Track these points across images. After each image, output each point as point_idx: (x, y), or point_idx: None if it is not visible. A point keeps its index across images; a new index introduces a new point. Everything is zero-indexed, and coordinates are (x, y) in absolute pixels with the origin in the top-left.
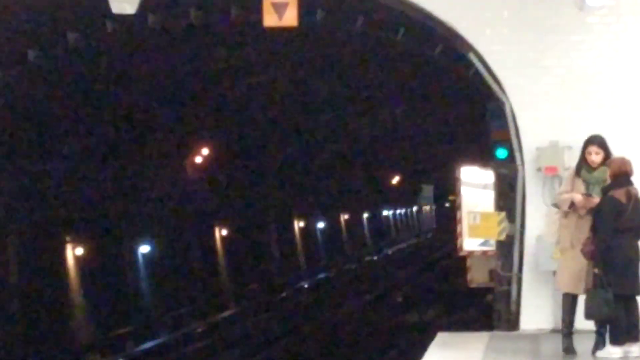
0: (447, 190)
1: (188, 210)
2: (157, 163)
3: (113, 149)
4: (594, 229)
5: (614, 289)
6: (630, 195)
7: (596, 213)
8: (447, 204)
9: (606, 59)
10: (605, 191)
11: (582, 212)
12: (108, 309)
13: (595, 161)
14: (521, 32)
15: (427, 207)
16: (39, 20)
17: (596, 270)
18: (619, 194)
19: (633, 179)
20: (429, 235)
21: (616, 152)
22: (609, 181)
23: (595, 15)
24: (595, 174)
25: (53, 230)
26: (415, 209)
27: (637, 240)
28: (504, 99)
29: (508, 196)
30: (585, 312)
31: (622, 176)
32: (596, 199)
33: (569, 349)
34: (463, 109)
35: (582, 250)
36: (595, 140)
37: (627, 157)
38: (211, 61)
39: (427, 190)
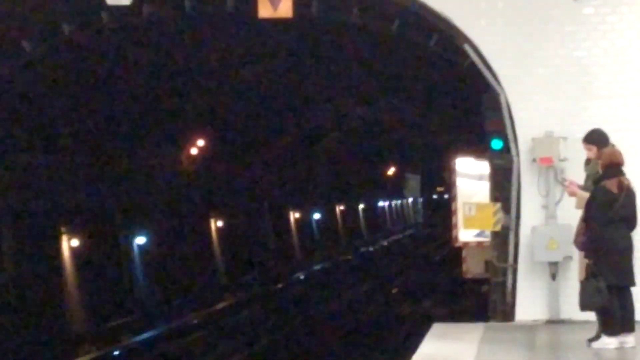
0: (435, 181)
1: (184, 201)
2: (153, 154)
3: (109, 141)
4: (585, 219)
5: (606, 280)
6: (622, 186)
7: (587, 204)
8: (434, 196)
9: (601, 49)
10: (596, 182)
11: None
12: (103, 300)
13: (589, 156)
14: (516, 23)
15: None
16: (35, 11)
17: (588, 261)
18: (610, 184)
19: (631, 168)
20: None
21: (611, 142)
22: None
23: (590, 6)
24: (588, 167)
25: (49, 221)
26: (410, 199)
27: (631, 230)
28: (499, 90)
29: (503, 187)
30: (579, 302)
31: (612, 167)
32: (573, 187)
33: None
34: (458, 100)
35: (574, 242)
36: (584, 138)
37: (620, 147)
38: (207, 52)
39: (413, 180)
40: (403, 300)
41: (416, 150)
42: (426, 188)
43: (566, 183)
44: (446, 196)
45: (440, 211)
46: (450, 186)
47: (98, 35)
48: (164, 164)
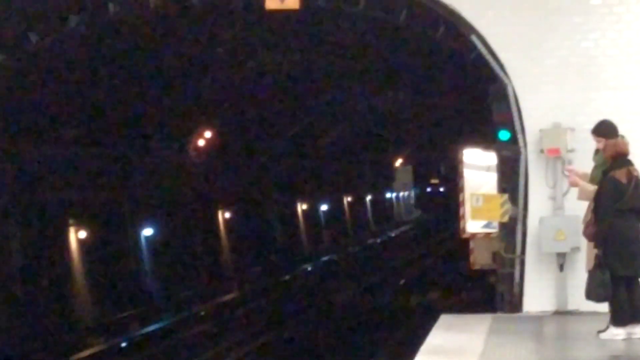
0: (429, 172)
1: (191, 193)
2: (160, 146)
3: (116, 132)
4: (595, 210)
5: (615, 271)
6: (631, 176)
7: (597, 194)
8: (428, 189)
9: (609, 40)
10: (605, 173)
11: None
12: (111, 292)
13: (599, 147)
14: (523, 13)
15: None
16: (41, 2)
17: (597, 251)
18: (620, 174)
19: (637, 159)
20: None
21: (621, 133)
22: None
23: None
24: (597, 156)
25: (56, 214)
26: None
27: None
28: (506, 81)
29: (511, 178)
30: (585, 292)
31: (619, 157)
32: (574, 178)
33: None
34: (466, 91)
35: (583, 233)
36: (593, 129)
37: (628, 138)
38: (214, 43)
39: (405, 172)
40: (411, 291)
41: (408, 140)
42: (419, 180)
43: (567, 173)
44: (442, 189)
45: (435, 205)
46: (457, 177)
47: (104, 27)
48: (171, 156)
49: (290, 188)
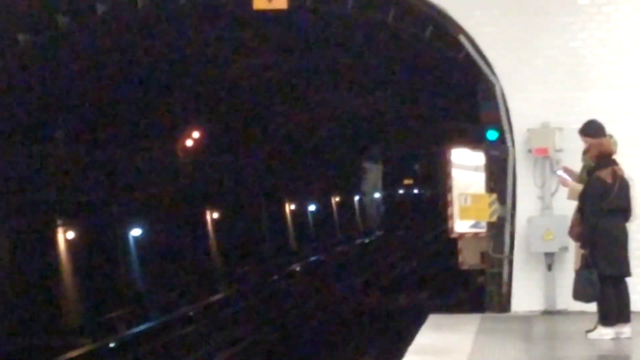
0: (401, 172)
1: (179, 193)
2: (148, 146)
3: (104, 132)
4: (580, 210)
5: (602, 270)
6: (616, 176)
7: (582, 194)
8: (401, 190)
9: (597, 40)
10: (590, 173)
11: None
12: (99, 293)
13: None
14: (512, 13)
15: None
16: (30, 3)
17: (583, 252)
18: (605, 174)
19: (628, 159)
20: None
21: (609, 132)
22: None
23: None
24: (585, 156)
25: (45, 213)
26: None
27: (626, 220)
28: (494, 81)
29: (499, 178)
30: (572, 292)
31: (604, 157)
32: (563, 178)
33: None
34: (454, 91)
35: (569, 232)
36: (580, 130)
37: (617, 138)
38: (202, 43)
39: (374, 172)
40: (398, 291)
41: (377, 137)
42: (389, 180)
43: (558, 172)
44: (416, 190)
45: (407, 209)
46: (445, 177)
47: (93, 27)
48: (159, 156)
49: (278, 188)
